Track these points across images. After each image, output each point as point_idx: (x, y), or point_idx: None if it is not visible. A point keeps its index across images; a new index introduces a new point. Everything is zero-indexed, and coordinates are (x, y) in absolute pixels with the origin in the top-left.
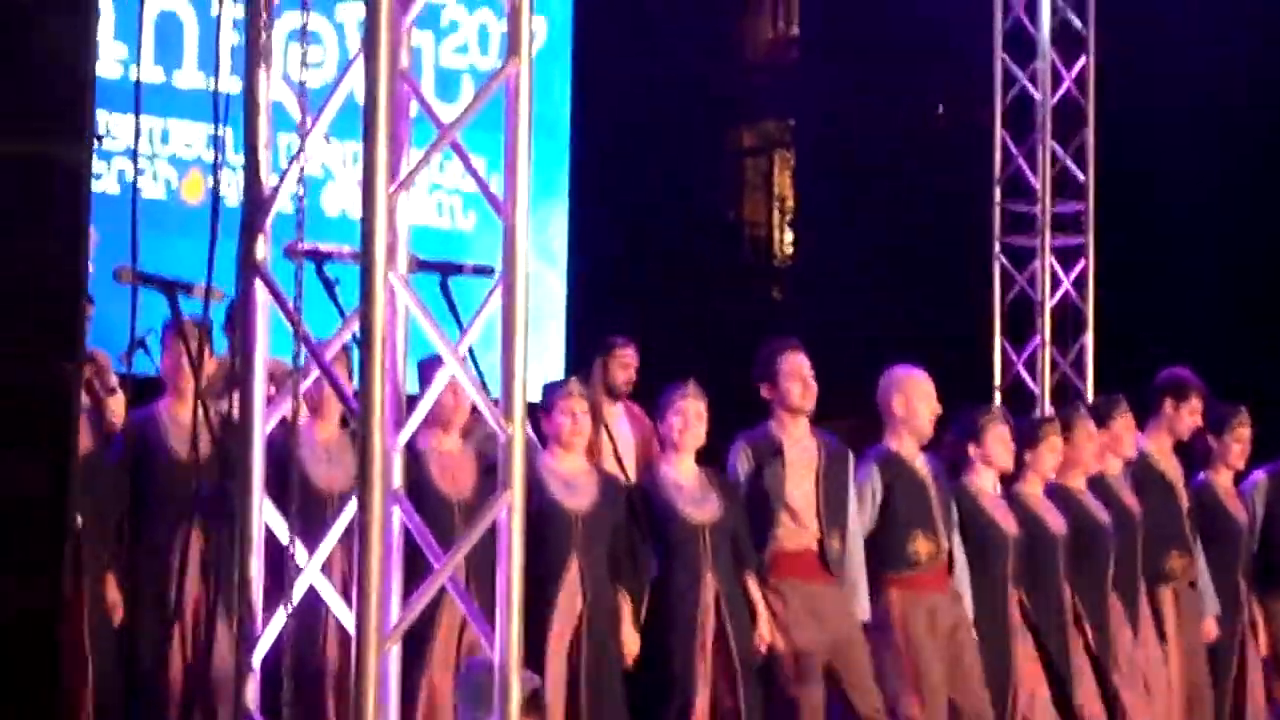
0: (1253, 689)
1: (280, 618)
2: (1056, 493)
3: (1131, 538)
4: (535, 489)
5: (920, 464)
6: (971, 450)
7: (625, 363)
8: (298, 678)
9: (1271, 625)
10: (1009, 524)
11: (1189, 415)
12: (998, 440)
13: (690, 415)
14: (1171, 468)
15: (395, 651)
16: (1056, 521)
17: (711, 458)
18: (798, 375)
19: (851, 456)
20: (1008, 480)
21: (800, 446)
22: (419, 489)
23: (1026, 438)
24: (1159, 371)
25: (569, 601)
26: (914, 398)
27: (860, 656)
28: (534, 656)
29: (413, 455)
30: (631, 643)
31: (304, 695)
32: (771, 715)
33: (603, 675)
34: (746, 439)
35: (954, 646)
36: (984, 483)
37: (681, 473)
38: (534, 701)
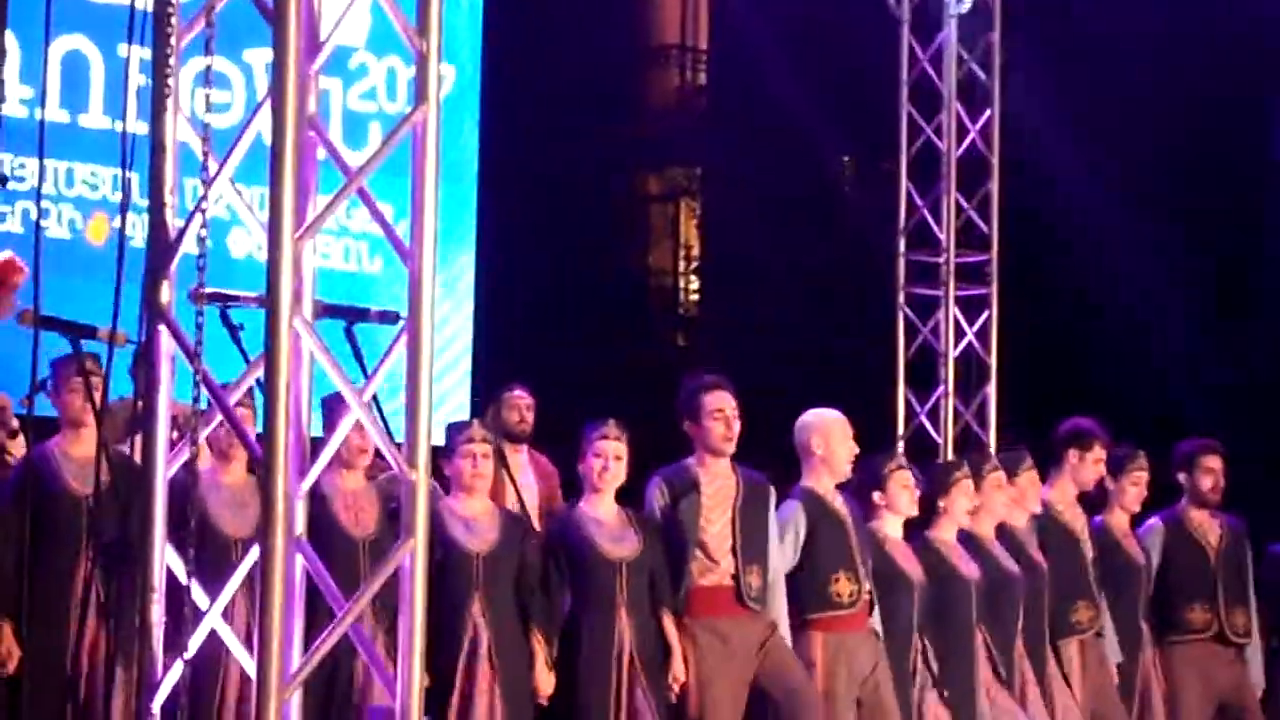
0: None
1: (179, 665)
2: (968, 540)
3: (1038, 593)
4: (436, 531)
5: (839, 504)
6: (876, 498)
7: (516, 405)
8: None
9: (1167, 668)
10: (915, 570)
11: (1093, 465)
12: (901, 487)
13: (609, 455)
14: (1076, 518)
15: (296, 698)
16: (969, 568)
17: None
18: (721, 414)
19: (772, 491)
20: (918, 525)
21: (718, 482)
22: (324, 528)
23: (938, 483)
24: (1061, 422)
25: (471, 639)
26: (832, 439)
27: (797, 684)
28: (439, 695)
29: (317, 494)
30: (545, 682)
31: None
32: None
33: (512, 713)
34: (663, 475)
35: (871, 685)
36: (890, 529)
37: (600, 511)
38: None
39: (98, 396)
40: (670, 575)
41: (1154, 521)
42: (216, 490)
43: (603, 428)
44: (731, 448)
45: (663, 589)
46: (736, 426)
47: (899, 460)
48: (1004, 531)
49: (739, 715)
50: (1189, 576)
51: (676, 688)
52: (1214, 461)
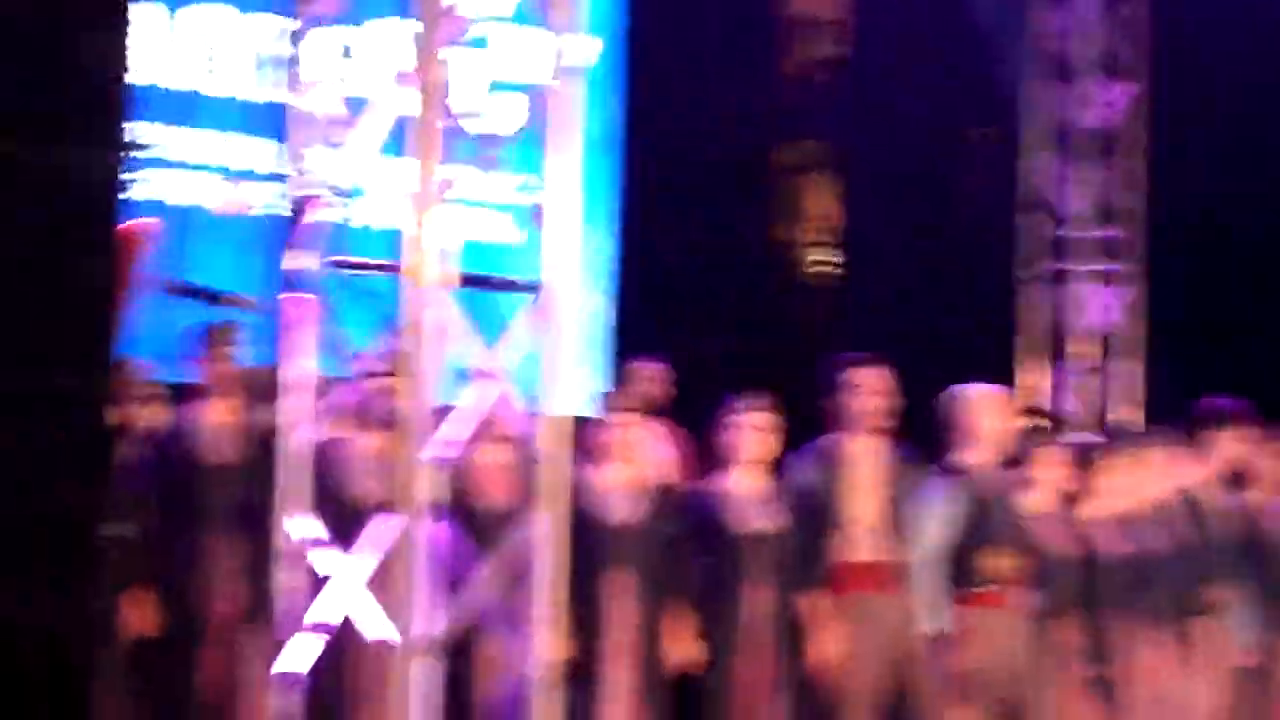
0: None
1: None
2: (1119, 518)
3: (1184, 568)
4: (580, 502)
5: (994, 481)
6: (1026, 473)
7: (648, 377)
8: (328, 690)
9: None
10: (1066, 548)
11: (1234, 443)
12: (1052, 464)
13: (747, 428)
14: (1213, 497)
15: (429, 665)
16: (1117, 545)
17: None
18: (872, 390)
19: (924, 470)
20: (1069, 503)
21: (866, 459)
22: (464, 499)
23: (1089, 461)
24: (1200, 401)
25: (618, 613)
26: (990, 414)
27: (917, 670)
28: (584, 667)
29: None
30: (691, 654)
31: (334, 708)
32: None
33: (653, 684)
34: (811, 451)
35: (1019, 665)
36: (1041, 505)
37: (742, 485)
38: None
39: (234, 364)
40: (811, 552)
41: None
42: (354, 458)
43: (744, 400)
44: (884, 421)
45: (801, 565)
46: (887, 402)
47: (1052, 436)
48: (1154, 509)
49: (878, 694)
50: None
51: (819, 667)
52: None
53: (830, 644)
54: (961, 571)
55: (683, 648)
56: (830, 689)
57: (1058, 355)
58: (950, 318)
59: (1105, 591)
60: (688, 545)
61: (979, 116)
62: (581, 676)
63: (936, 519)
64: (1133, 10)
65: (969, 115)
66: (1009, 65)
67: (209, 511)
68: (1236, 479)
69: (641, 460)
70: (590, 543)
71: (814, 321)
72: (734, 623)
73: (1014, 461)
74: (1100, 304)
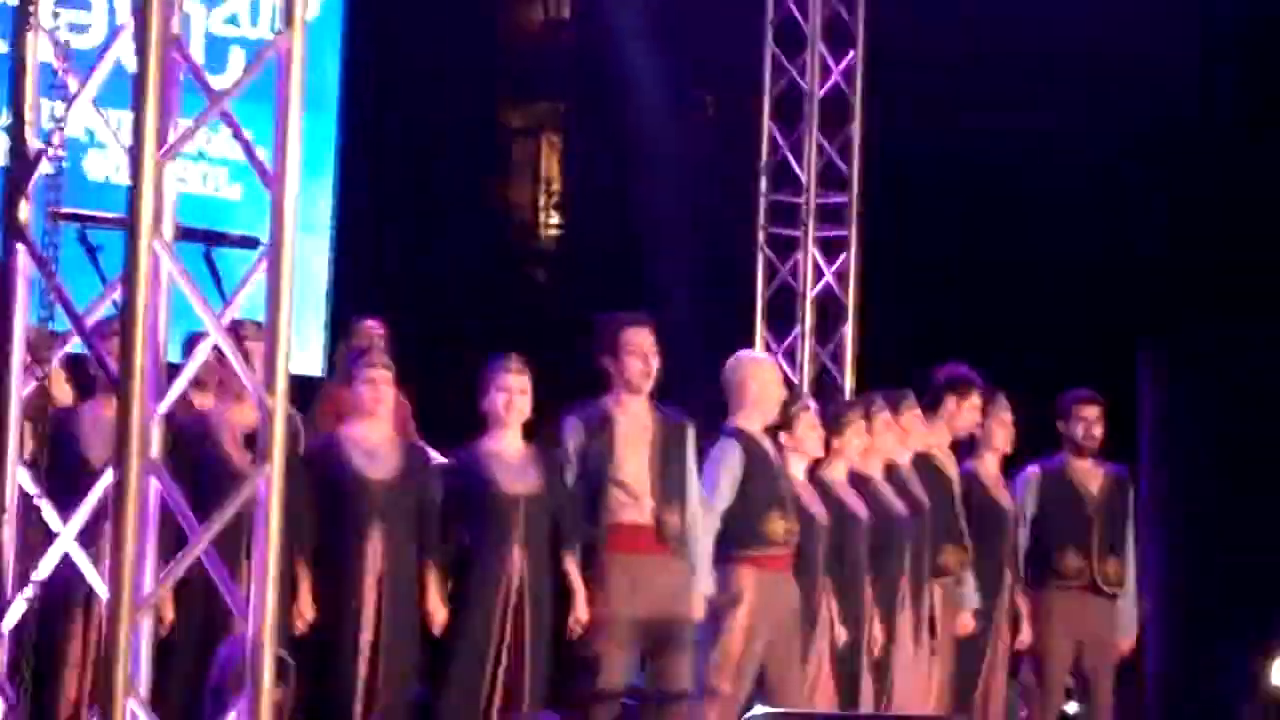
0: (995, 676)
1: (30, 587)
2: (857, 480)
3: (922, 534)
4: (335, 458)
5: (770, 445)
6: (783, 438)
7: (369, 334)
8: (47, 647)
9: (1038, 619)
10: (821, 512)
11: (969, 411)
12: (809, 428)
13: (514, 390)
14: (949, 463)
15: (146, 624)
16: (859, 508)
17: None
18: (639, 351)
19: (692, 429)
20: (811, 465)
21: (634, 420)
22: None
23: (832, 422)
24: (937, 367)
25: (368, 569)
26: (766, 381)
27: (682, 632)
28: (331, 622)
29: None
30: (438, 612)
31: (51, 664)
32: (575, 680)
33: (397, 643)
34: (576, 412)
35: (787, 627)
36: (796, 470)
37: (503, 446)
38: (281, 674)
39: None
40: (581, 514)
41: (1032, 469)
42: (92, 417)
43: (506, 362)
44: (649, 385)
45: (567, 528)
46: (655, 363)
47: (806, 401)
48: (889, 471)
49: (634, 654)
50: (1064, 524)
51: (578, 629)
52: (1089, 411)
53: (593, 605)
54: (742, 534)
55: (435, 608)
56: (591, 651)
57: (787, 321)
58: (679, 279)
59: (852, 556)
60: (447, 505)
61: (706, 82)
62: (328, 635)
63: (718, 481)
64: None
65: (701, 81)
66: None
67: None
68: (969, 444)
69: (389, 417)
70: (347, 499)
71: (543, 285)
72: (494, 584)
73: (778, 426)
74: (816, 269)
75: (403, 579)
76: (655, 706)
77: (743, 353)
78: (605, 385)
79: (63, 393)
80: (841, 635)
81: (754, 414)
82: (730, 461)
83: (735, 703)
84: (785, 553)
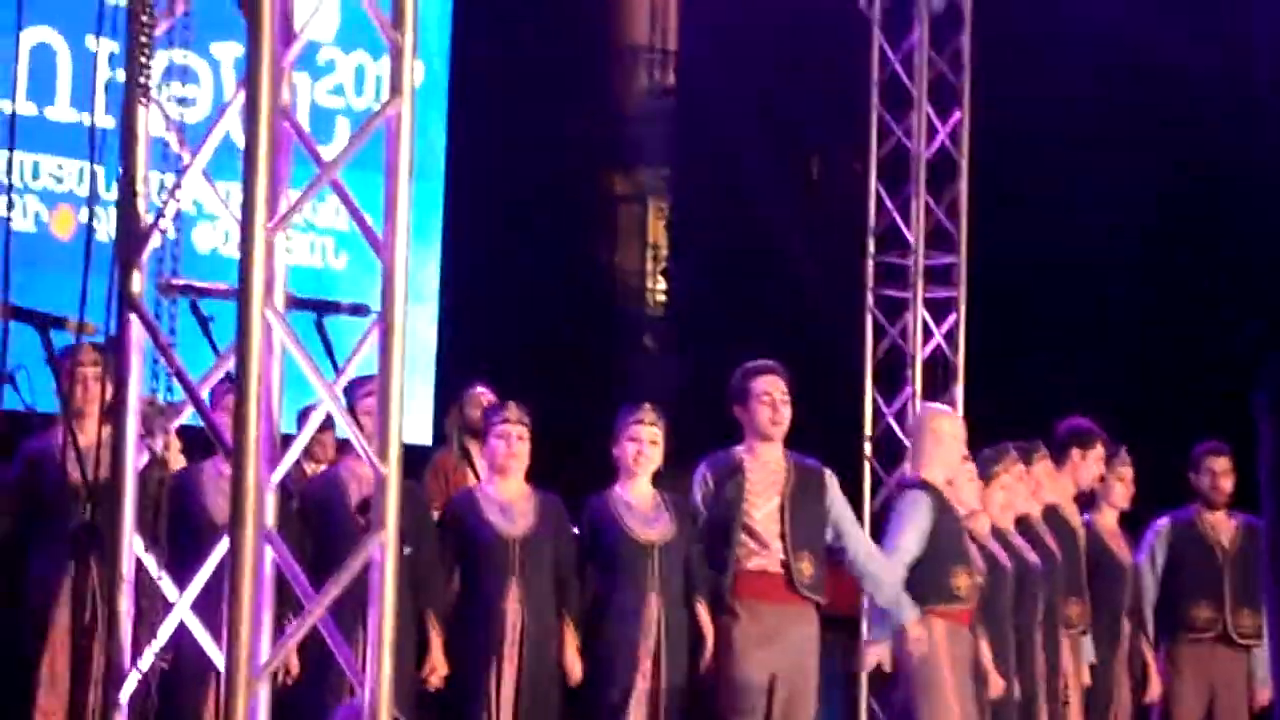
0: None
1: (149, 655)
2: (994, 532)
3: (1054, 582)
4: (471, 515)
5: (953, 499)
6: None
7: (479, 402)
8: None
9: (1168, 673)
10: (1005, 564)
11: (1094, 463)
12: (968, 480)
13: (645, 440)
14: (1073, 515)
15: (264, 691)
16: (1005, 560)
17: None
18: (769, 398)
19: (831, 476)
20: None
21: (766, 468)
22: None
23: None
24: (1059, 422)
25: (509, 625)
26: (952, 434)
27: (806, 684)
28: (472, 682)
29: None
30: (574, 668)
31: None
32: None
33: (539, 697)
34: (708, 460)
35: (974, 684)
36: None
37: (633, 494)
38: None
39: (94, 386)
40: (711, 561)
41: (1162, 521)
42: (214, 480)
43: (638, 412)
44: (780, 433)
45: (697, 574)
46: (786, 412)
47: (1011, 456)
48: (1020, 522)
49: (762, 700)
50: (1195, 576)
51: (710, 673)
52: (1217, 463)
53: (725, 652)
54: (929, 588)
55: (571, 662)
56: (723, 698)
57: (897, 382)
58: (790, 342)
59: (1000, 608)
60: (580, 557)
61: (810, 146)
62: (469, 694)
63: (904, 532)
64: (958, 40)
65: (806, 144)
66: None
67: (63, 532)
68: (1088, 497)
69: (523, 472)
70: (485, 556)
71: (643, 350)
72: (624, 634)
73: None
74: (925, 329)
75: (543, 633)
76: None
77: (929, 405)
78: (740, 436)
79: (178, 463)
80: (998, 687)
81: (937, 466)
82: (919, 514)
83: None
84: (969, 607)
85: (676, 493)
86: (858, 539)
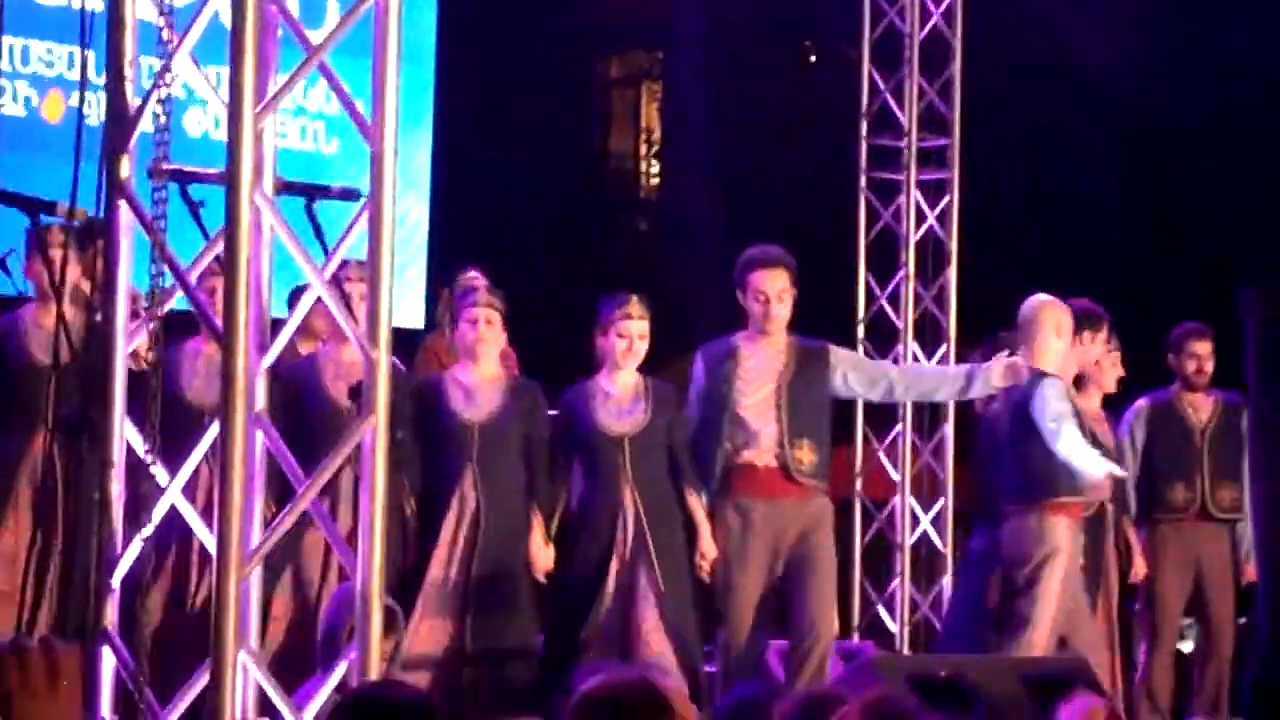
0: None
1: (138, 540)
2: None
3: None
4: (432, 398)
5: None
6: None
7: (470, 285)
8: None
9: (1152, 551)
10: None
11: (1098, 345)
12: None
13: (633, 335)
14: (1076, 397)
15: (256, 574)
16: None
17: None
18: (764, 296)
19: (833, 349)
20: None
21: (762, 355)
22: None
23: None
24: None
25: (460, 509)
26: (1067, 329)
27: (814, 575)
28: (426, 565)
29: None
30: (541, 558)
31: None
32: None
33: (500, 586)
34: (702, 351)
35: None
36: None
37: (614, 385)
38: (390, 623)
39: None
40: (697, 456)
41: (1140, 403)
42: (192, 361)
43: (626, 305)
44: (775, 327)
45: (687, 465)
46: (781, 309)
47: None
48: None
49: (756, 599)
50: (1171, 457)
51: (706, 565)
52: (1201, 346)
53: (718, 543)
54: (1062, 481)
55: (538, 552)
56: (717, 588)
57: (890, 264)
58: (781, 223)
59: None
60: (555, 445)
61: (805, 28)
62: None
63: (1069, 417)
64: None
65: (799, 26)
66: None
67: (33, 408)
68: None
69: (493, 356)
70: (443, 439)
71: (637, 231)
72: (595, 527)
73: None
74: (918, 212)
75: (505, 520)
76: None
77: (1043, 298)
78: (741, 324)
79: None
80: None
81: (1056, 358)
82: (1067, 401)
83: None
84: (1085, 500)
85: (672, 380)
86: (886, 367)
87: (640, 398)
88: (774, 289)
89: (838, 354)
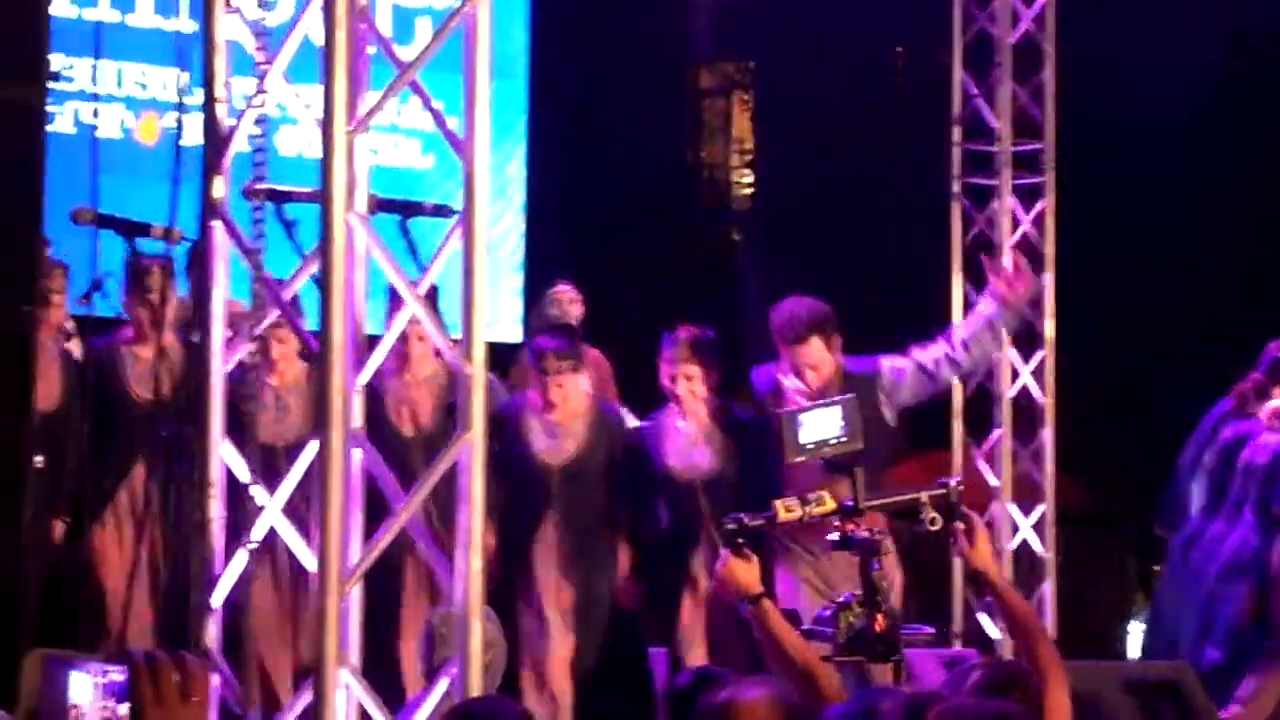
0: None
1: (240, 557)
2: None
3: None
4: (513, 434)
5: None
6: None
7: (560, 300)
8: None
9: None
10: None
11: None
12: None
13: (680, 380)
14: None
15: (356, 592)
16: None
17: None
18: (794, 367)
19: (881, 361)
20: None
21: (804, 394)
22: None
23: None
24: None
25: (545, 549)
26: None
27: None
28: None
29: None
30: (628, 591)
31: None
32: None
33: (589, 617)
34: (753, 376)
35: None
36: None
37: (684, 420)
38: (492, 636)
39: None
40: (759, 488)
41: None
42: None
43: (674, 347)
44: (815, 387)
45: (747, 503)
46: (816, 375)
47: None
48: None
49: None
50: None
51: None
52: None
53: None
54: None
55: (624, 586)
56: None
57: (984, 270)
58: (874, 231)
59: None
60: (631, 484)
61: (896, 34)
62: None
63: None
64: None
65: (889, 32)
66: None
67: (134, 442)
68: None
69: (577, 399)
70: (530, 482)
71: (730, 241)
72: (680, 561)
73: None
74: (1012, 216)
75: (585, 557)
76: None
77: None
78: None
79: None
80: None
81: None
82: None
83: None
84: None
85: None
86: (935, 349)
87: (712, 435)
88: (806, 362)
89: (885, 375)
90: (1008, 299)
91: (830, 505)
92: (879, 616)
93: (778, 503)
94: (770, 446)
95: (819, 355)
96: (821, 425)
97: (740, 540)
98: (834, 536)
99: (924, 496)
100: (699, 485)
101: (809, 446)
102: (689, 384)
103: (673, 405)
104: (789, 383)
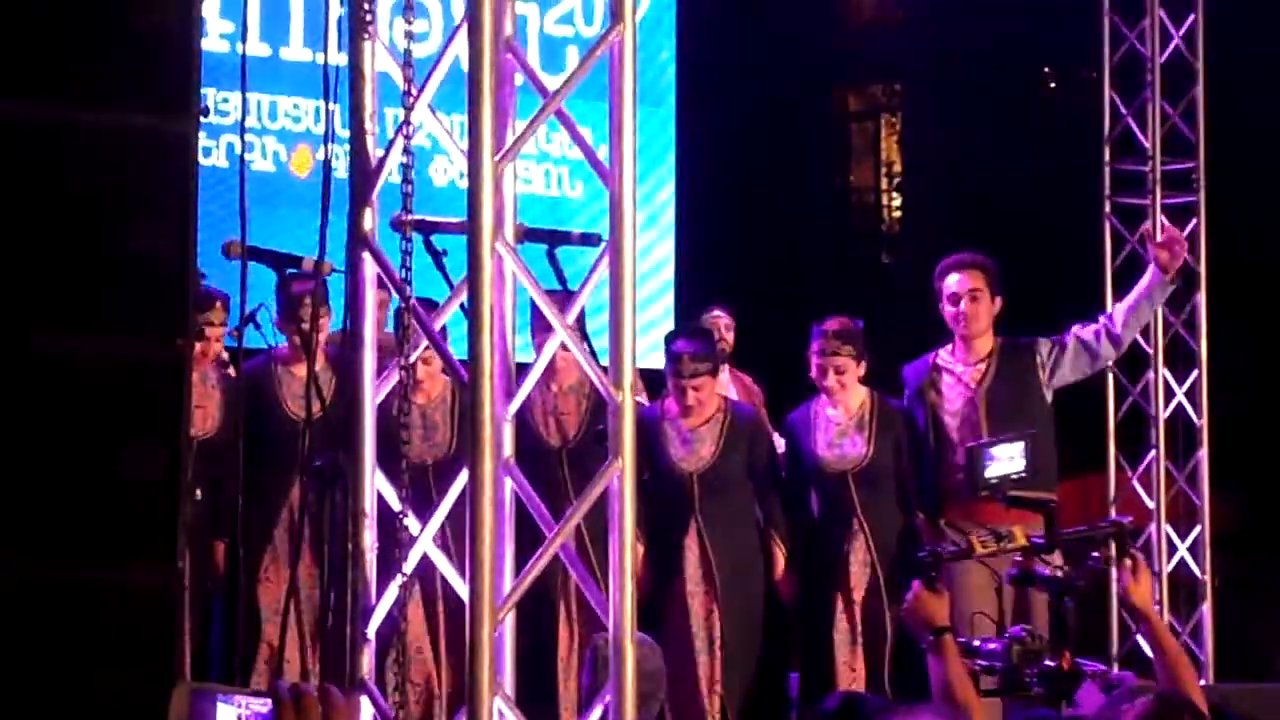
0: None
1: (394, 588)
2: None
3: None
4: (650, 444)
5: None
6: None
7: (715, 325)
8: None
9: None
10: None
11: None
12: None
13: (830, 369)
14: None
15: (509, 621)
16: None
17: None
18: (953, 297)
19: (1040, 341)
20: None
21: (960, 364)
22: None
23: None
24: None
25: (691, 557)
26: None
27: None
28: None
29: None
30: (784, 586)
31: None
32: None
33: (734, 624)
34: (906, 370)
35: None
36: None
37: (835, 410)
38: (650, 662)
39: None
40: (916, 474)
41: None
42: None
43: (821, 339)
44: (970, 330)
45: (906, 492)
46: (972, 308)
47: None
48: None
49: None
50: None
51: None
52: None
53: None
54: None
55: (782, 580)
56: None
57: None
58: (1022, 258)
59: None
60: (781, 479)
61: (1043, 54)
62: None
63: None
64: None
65: (1037, 53)
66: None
67: (289, 463)
68: None
69: (712, 403)
70: (671, 491)
71: (879, 266)
72: (824, 560)
73: None
74: None
75: (729, 562)
76: None
77: None
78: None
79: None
80: None
81: None
82: None
83: None
84: None
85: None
86: (1097, 326)
87: (864, 423)
88: (965, 289)
89: (1042, 342)
90: (1166, 264)
91: (1022, 542)
92: (1065, 654)
93: (973, 538)
94: (922, 434)
95: (980, 285)
96: (1005, 461)
97: (934, 573)
98: (1013, 571)
99: (1099, 535)
100: (850, 475)
101: (993, 481)
102: (838, 375)
103: (822, 396)
104: (943, 358)
